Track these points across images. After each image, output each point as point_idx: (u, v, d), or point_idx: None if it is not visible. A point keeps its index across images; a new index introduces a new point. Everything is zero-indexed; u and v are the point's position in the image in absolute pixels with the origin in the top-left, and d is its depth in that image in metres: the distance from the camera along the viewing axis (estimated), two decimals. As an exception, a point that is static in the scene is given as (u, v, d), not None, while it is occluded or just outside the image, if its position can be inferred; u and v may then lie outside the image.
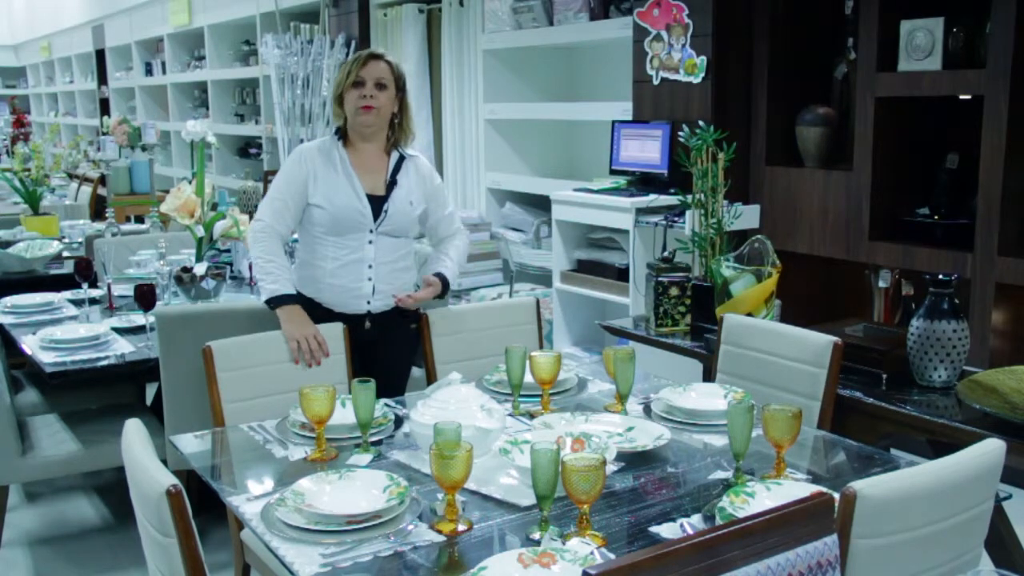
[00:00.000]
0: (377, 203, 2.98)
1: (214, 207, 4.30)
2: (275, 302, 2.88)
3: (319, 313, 2.95)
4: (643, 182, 4.64)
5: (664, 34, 4.50)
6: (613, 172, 4.82)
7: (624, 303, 4.43)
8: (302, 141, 7.30)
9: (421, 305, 3.07)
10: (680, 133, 3.98)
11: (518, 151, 5.95)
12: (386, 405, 2.56)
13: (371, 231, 2.97)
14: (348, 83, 2.95)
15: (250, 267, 4.28)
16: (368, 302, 3.01)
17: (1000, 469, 1.83)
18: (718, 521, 1.84)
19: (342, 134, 3.04)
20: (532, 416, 2.48)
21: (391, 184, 3.02)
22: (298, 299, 2.91)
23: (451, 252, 3.15)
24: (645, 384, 2.79)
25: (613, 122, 4.79)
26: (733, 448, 2.09)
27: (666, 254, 3.56)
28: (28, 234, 5.41)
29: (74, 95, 14.85)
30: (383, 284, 3.01)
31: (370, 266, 2.98)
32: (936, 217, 3.89)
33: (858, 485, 1.64)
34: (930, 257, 3.74)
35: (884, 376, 2.81)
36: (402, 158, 3.07)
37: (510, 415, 2.49)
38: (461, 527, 1.88)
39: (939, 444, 2.71)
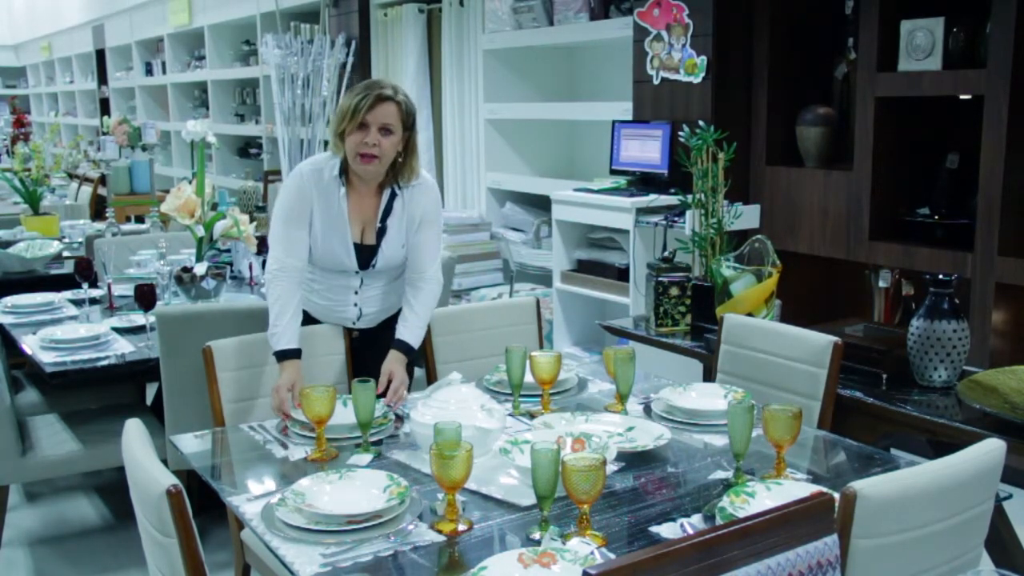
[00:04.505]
0: (366, 253, 2.85)
1: (214, 207, 4.30)
2: (280, 357, 2.72)
3: (306, 321, 2.92)
4: (643, 182, 4.64)
5: (664, 34, 4.50)
6: (613, 172, 4.82)
7: (624, 303, 4.43)
8: (302, 141, 7.31)
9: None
10: (680, 133, 3.98)
11: (518, 151, 5.95)
12: (387, 405, 2.56)
13: (358, 272, 2.89)
14: (353, 124, 2.69)
15: (250, 267, 4.28)
16: (353, 323, 2.96)
17: (1000, 469, 1.83)
18: (718, 521, 1.84)
19: (342, 168, 2.81)
20: (532, 416, 2.48)
21: (381, 231, 2.84)
22: (298, 353, 2.75)
23: (417, 308, 2.87)
24: (645, 384, 2.79)
25: (613, 122, 4.79)
26: (733, 448, 2.09)
27: (666, 254, 3.56)
28: (28, 234, 5.41)
29: (74, 95, 14.85)
30: (370, 308, 2.96)
31: (356, 292, 2.93)
32: (936, 217, 3.89)
33: (858, 485, 1.64)
34: (930, 257, 3.74)
35: (884, 376, 2.81)
36: (393, 195, 2.84)
37: (510, 415, 2.49)
38: (461, 527, 1.88)
39: (939, 444, 2.71)
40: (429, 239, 2.90)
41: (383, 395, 2.65)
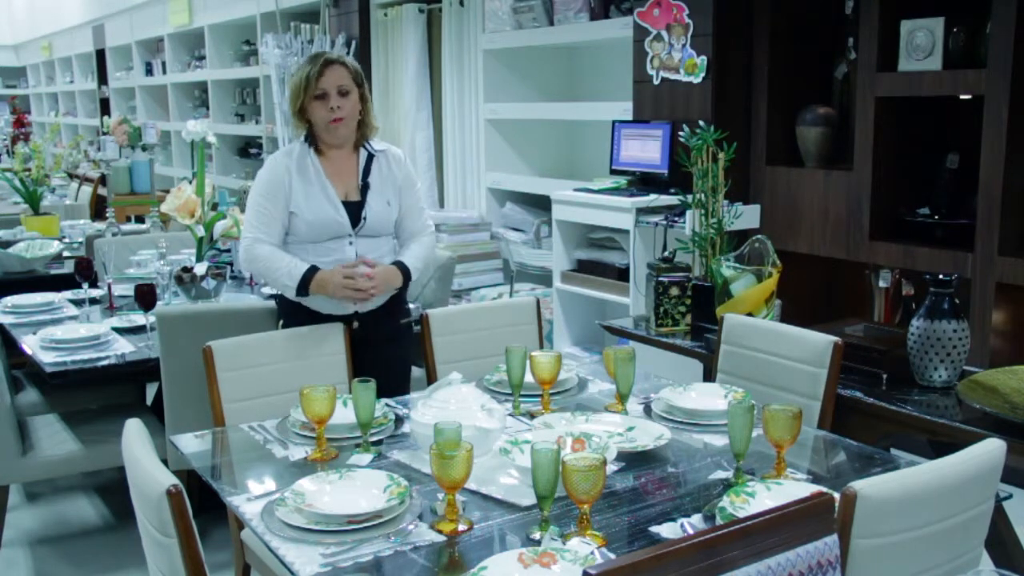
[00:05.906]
0: (354, 209, 2.94)
1: (214, 207, 4.30)
2: (302, 288, 2.87)
3: (305, 317, 2.94)
4: (643, 182, 4.64)
5: (664, 34, 4.50)
6: (613, 172, 4.82)
7: (624, 303, 4.43)
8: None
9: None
10: (680, 133, 3.98)
11: (518, 151, 5.95)
12: (386, 405, 2.56)
13: (350, 235, 2.95)
14: (309, 96, 2.88)
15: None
16: (354, 303, 2.97)
17: (1000, 469, 1.83)
18: (718, 521, 1.84)
19: (311, 139, 2.98)
20: (532, 416, 2.48)
21: (364, 187, 2.97)
22: (315, 268, 2.89)
23: (412, 246, 3.07)
24: (645, 384, 2.79)
25: (613, 122, 4.79)
26: (733, 448, 2.09)
27: (666, 254, 3.56)
28: (28, 234, 5.41)
29: (74, 95, 14.85)
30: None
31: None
32: (936, 217, 3.89)
33: (858, 485, 1.64)
34: (930, 257, 3.74)
35: (884, 376, 2.81)
36: (371, 156, 3.01)
37: (510, 415, 2.49)
38: (461, 527, 1.88)
39: (939, 444, 2.71)
40: (412, 203, 3.08)
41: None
